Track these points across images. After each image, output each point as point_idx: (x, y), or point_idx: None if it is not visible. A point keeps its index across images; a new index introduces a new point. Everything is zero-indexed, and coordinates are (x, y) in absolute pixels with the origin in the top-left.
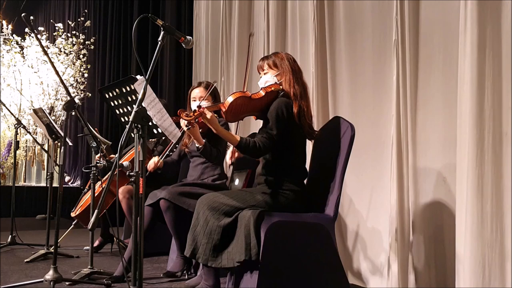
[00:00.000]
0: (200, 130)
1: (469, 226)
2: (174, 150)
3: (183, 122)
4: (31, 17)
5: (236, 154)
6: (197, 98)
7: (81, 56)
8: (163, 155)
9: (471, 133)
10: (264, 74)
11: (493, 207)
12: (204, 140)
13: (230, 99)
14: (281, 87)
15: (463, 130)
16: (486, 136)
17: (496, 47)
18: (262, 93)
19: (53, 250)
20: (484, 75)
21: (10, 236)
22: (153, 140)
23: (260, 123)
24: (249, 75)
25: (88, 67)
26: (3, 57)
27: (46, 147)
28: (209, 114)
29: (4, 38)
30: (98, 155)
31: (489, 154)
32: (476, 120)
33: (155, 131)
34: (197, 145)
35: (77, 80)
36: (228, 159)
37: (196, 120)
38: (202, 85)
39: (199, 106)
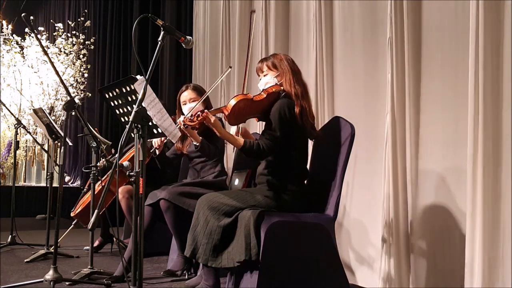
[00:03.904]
0: (196, 131)
1: (481, 228)
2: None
3: (179, 122)
4: (31, 17)
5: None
6: (187, 100)
7: (81, 56)
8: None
9: (484, 134)
10: (264, 76)
11: (506, 209)
12: (200, 138)
13: (232, 102)
14: (282, 87)
15: (476, 131)
16: (504, 138)
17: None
18: (264, 94)
19: (53, 250)
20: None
21: (10, 236)
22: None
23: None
24: (249, 67)
25: (88, 67)
26: (3, 57)
27: (46, 147)
28: (212, 118)
29: (4, 38)
30: (103, 160)
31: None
32: (490, 122)
33: (155, 131)
34: (194, 143)
35: (77, 80)
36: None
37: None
38: (190, 88)
39: (202, 111)
